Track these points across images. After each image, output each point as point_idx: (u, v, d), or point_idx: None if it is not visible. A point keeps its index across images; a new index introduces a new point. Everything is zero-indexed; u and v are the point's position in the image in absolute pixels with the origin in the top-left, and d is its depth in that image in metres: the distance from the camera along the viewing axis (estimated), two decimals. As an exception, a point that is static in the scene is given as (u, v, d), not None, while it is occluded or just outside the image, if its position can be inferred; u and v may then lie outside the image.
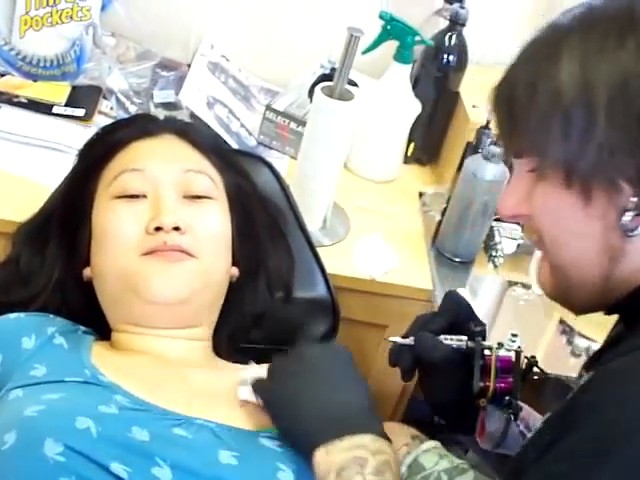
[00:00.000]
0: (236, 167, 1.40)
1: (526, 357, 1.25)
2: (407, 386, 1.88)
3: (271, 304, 1.43)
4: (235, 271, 1.34)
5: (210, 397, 1.17)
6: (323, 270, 1.55)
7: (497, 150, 1.70)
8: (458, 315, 1.27)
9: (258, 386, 1.13)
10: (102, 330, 1.30)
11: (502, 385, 1.20)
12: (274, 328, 1.45)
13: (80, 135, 1.74)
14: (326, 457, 1.01)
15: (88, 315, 1.31)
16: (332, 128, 1.67)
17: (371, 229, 1.85)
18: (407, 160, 2.08)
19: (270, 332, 1.44)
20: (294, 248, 1.50)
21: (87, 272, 1.29)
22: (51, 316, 1.28)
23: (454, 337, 1.24)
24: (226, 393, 1.18)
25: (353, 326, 1.76)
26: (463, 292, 1.72)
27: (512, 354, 1.22)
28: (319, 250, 1.68)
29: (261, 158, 1.63)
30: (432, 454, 1.45)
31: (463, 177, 1.76)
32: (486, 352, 1.22)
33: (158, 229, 1.20)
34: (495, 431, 1.23)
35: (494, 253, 1.87)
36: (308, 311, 1.51)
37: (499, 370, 1.20)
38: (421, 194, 2.01)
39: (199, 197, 1.27)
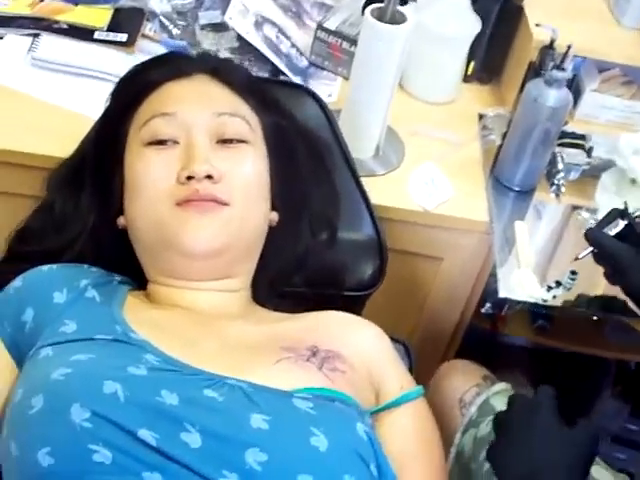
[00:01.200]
0: (275, 106, 1.33)
1: None
2: (464, 316, 1.83)
3: (314, 246, 1.37)
4: (275, 216, 1.28)
5: (245, 353, 1.13)
6: (370, 208, 1.48)
7: (560, 75, 1.59)
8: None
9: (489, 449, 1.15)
10: (139, 279, 1.27)
11: None
12: (318, 271, 1.38)
13: (122, 62, 1.68)
14: None
15: (124, 264, 1.27)
16: (383, 53, 1.57)
17: (426, 156, 1.77)
18: (467, 79, 1.98)
19: (313, 275, 1.38)
20: (340, 185, 1.44)
21: (121, 221, 1.25)
22: (85, 266, 1.25)
23: (609, 227, 1.34)
24: (261, 348, 1.14)
25: (407, 258, 1.72)
26: (522, 226, 1.65)
27: None
28: (371, 180, 1.62)
29: (305, 88, 1.55)
30: (503, 396, 1.44)
31: (523, 103, 1.65)
32: None
33: (190, 178, 1.15)
34: None
35: (556, 181, 1.77)
36: (354, 253, 1.44)
37: None
38: (481, 116, 1.91)
39: (233, 141, 1.21)
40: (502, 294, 1.53)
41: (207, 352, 1.11)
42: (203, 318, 1.19)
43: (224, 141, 1.20)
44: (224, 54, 1.80)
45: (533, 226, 1.70)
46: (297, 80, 1.82)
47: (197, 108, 1.21)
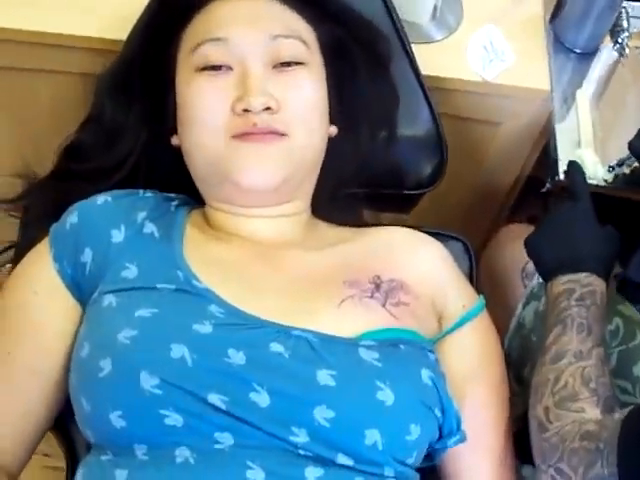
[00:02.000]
0: (332, 13, 1.26)
1: None
2: (519, 178, 1.82)
3: (373, 147, 1.34)
4: (333, 129, 1.26)
5: (308, 291, 1.14)
6: (429, 100, 1.43)
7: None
8: None
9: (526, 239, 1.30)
10: (197, 195, 1.26)
11: None
12: (376, 172, 1.37)
13: None
14: (550, 289, 1.22)
15: (180, 182, 1.26)
16: None
17: (486, 13, 1.68)
18: None
19: (372, 176, 1.37)
20: (397, 76, 1.38)
21: (175, 140, 1.23)
22: (140, 192, 1.23)
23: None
24: (325, 283, 1.15)
25: (464, 123, 1.70)
26: (583, 96, 1.60)
27: None
28: (428, 47, 1.58)
29: None
30: None
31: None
32: None
33: (247, 110, 1.12)
34: None
35: (620, 40, 1.68)
36: (413, 150, 1.42)
37: None
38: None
39: (290, 64, 1.17)
40: (563, 177, 1.51)
41: (270, 294, 1.12)
42: (264, 249, 1.19)
43: (280, 64, 1.16)
44: None
45: (595, 90, 1.65)
46: None
47: (250, 32, 1.16)
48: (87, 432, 1.07)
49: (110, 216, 1.18)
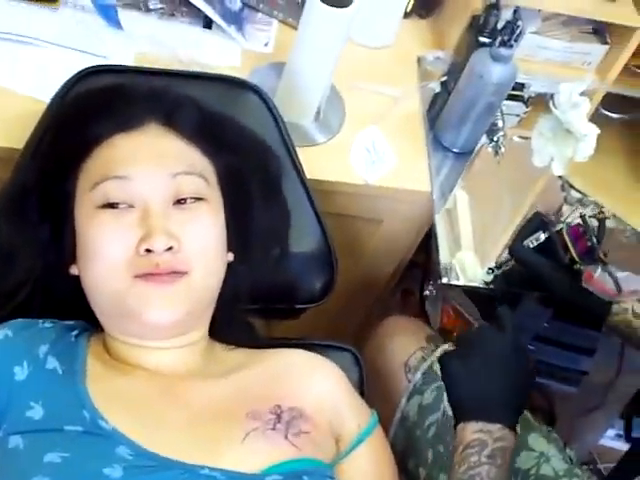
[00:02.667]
0: (228, 143, 1.28)
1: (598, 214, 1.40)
2: (398, 268, 1.87)
3: (267, 265, 1.36)
4: (230, 256, 1.27)
5: (213, 425, 1.14)
6: (319, 216, 1.46)
7: (507, 52, 1.56)
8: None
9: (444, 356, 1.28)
10: (96, 319, 1.24)
11: (581, 248, 1.35)
12: (269, 288, 1.38)
13: (46, 22, 1.57)
14: (462, 432, 1.18)
15: (79, 305, 1.23)
16: (327, 36, 1.52)
17: (367, 113, 1.73)
18: (406, 15, 1.91)
19: (264, 292, 1.37)
20: (288, 192, 1.40)
21: (74, 270, 1.21)
22: (40, 323, 1.21)
23: (530, 239, 1.40)
24: (228, 416, 1.15)
25: (347, 220, 1.73)
26: (463, 199, 1.66)
27: (578, 220, 1.37)
28: (312, 150, 1.62)
29: (250, 86, 1.47)
30: None
31: (468, 76, 1.62)
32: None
33: (149, 250, 1.13)
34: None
35: (495, 139, 1.76)
36: (304, 266, 1.44)
37: (574, 238, 1.35)
38: (419, 60, 1.86)
39: (189, 199, 1.17)
40: (444, 280, 1.56)
41: (176, 432, 1.11)
42: (166, 382, 1.18)
43: (181, 201, 1.16)
44: (155, 5, 1.71)
45: (472, 190, 1.71)
46: (232, 30, 1.74)
47: (152, 170, 1.15)
48: None
49: (12, 352, 1.15)
